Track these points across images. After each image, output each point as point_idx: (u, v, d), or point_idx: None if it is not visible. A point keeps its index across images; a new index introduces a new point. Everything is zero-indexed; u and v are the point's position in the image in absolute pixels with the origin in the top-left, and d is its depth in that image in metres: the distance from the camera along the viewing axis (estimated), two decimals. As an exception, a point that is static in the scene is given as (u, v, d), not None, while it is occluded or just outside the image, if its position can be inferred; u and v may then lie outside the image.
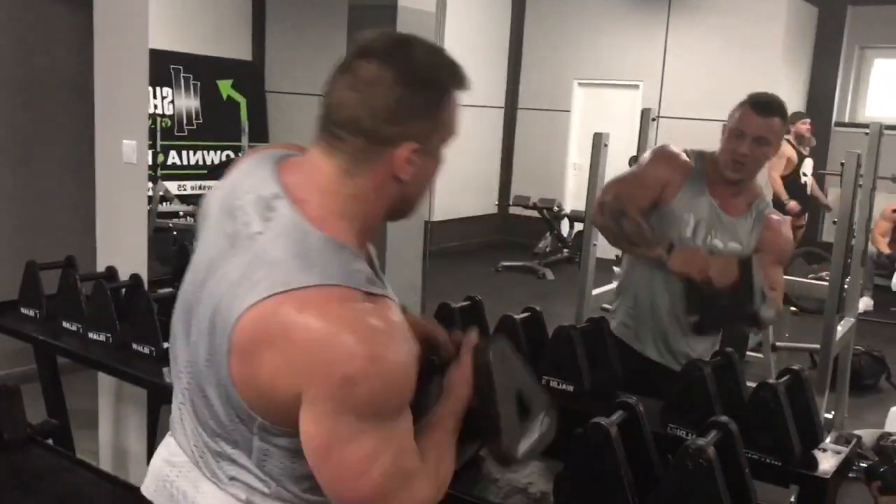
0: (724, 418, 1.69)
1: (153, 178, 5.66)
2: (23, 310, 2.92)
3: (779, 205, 6.00)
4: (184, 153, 7.56)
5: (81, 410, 3.30)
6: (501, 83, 9.48)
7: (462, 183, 8.75)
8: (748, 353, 4.17)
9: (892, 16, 8.07)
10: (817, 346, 3.61)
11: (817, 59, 8.52)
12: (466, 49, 8.80)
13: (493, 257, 8.40)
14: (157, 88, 7.22)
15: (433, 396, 1.31)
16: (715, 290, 2.30)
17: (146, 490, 1.31)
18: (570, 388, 2.19)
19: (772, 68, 7.82)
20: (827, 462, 1.92)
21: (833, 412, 3.87)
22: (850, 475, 2.17)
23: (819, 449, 1.97)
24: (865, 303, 6.17)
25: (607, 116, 8.38)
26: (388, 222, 1.23)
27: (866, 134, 3.97)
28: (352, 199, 1.13)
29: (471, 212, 9.13)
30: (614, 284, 4.32)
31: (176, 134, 7.48)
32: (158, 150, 6.41)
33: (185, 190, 7.20)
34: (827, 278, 3.85)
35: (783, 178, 6.54)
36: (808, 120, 6.88)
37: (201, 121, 7.67)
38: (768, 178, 6.36)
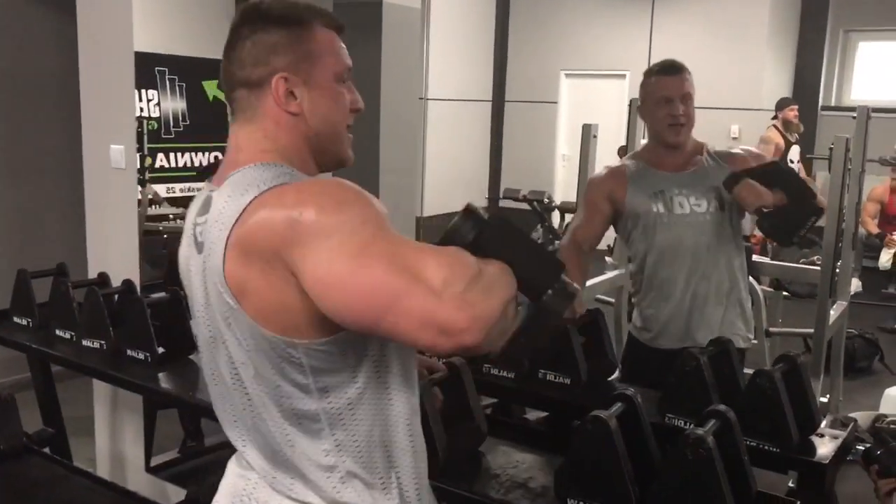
0: (722, 407, 1.69)
1: (141, 182, 5.62)
2: (15, 318, 2.90)
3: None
4: (171, 155, 7.50)
5: (77, 418, 3.28)
6: (488, 76, 9.47)
7: (451, 177, 8.75)
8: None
9: (875, -1, 8.11)
10: (811, 330, 3.63)
11: (802, 44, 8.53)
12: (452, 43, 8.82)
13: (485, 251, 8.39)
14: (143, 91, 7.18)
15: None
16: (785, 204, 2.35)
17: None
18: (567, 380, 2.20)
19: (757, 54, 7.84)
20: (825, 447, 1.92)
21: (828, 396, 3.89)
22: (848, 458, 2.18)
23: (817, 434, 1.97)
24: (855, 284, 6.19)
25: (595, 107, 8.38)
26: (329, 172, 1.30)
27: (853, 118, 3.98)
28: (264, 139, 1.22)
29: (460, 206, 9.07)
30: (608, 275, 4.34)
31: (163, 136, 7.42)
32: (146, 153, 6.37)
33: (174, 192, 7.15)
34: (818, 263, 3.87)
35: None
36: (796, 106, 6.89)
37: (188, 122, 7.62)
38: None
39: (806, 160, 7.21)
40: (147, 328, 2.53)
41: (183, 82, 7.54)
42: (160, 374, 2.48)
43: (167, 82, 7.47)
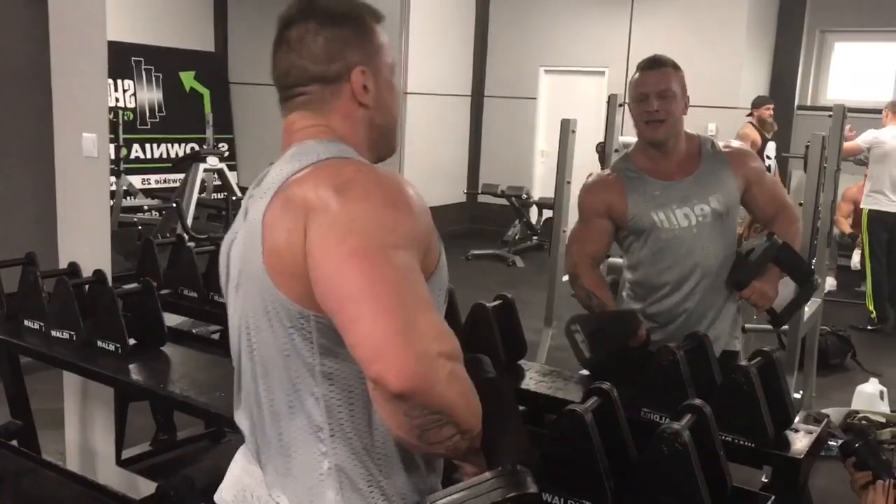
0: (698, 402, 1.69)
1: (116, 173, 5.56)
2: (-18, 309, 2.85)
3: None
4: (147, 146, 7.43)
5: (46, 410, 3.23)
6: (467, 72, 9.45)
7: (430, 172, 8.72)
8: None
9: (851, 0, 8.17)
10: (785, 327, 3.65)
11: (780, 44, 8.59)
12: (432, 38, 8.78)
13: (463, 246, 8.39)
14: (119, 81, 7.09)
15: None
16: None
17: (221, 499, 1.33)
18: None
19: (735, 53, 7.88)
20: (799, 442, 1.93)
21: (801, 392, 3.92)
22: (822, 454, 2.19)
23: (791, 429, 1.98)
24: (829, 283, 6.27)
25: (574, 103, 8.38)
26: (377, 162, 1.28)
27: (829, 116, 4.02)
28: (331, 132, 1.23)
29: (439, 201, 9.10)
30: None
31: (139, 127, 7.35)
32: (121, 143, 6.29)
33: (149, 184, 7.08)
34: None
35: None
36: (772, 105, 6.95)
37: (164, 113, 7.55)
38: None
39: (781, 158, 7.26)
40: (118, 319, 2.49)
41: (160, 73, 7.47)
42: (131, 366, 2.45)
43: (143, 72, 7.40)
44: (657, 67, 2.40)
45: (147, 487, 2.78)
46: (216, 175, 5.41)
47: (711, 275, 2.41)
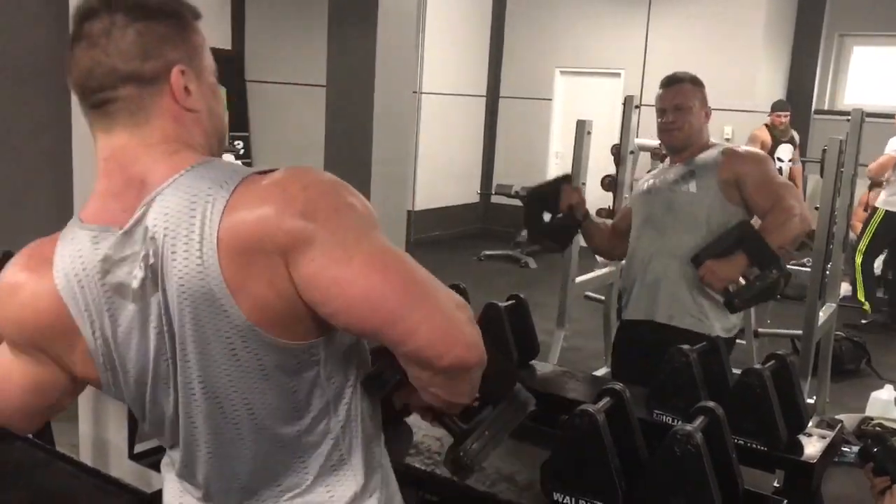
0: (710, 404, 1.69)
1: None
2: None
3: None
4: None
5: (61, 403, 3.25)
6: (483, 72, 9.45)
7: (444, 172, 8.73)
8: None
9: (871, 3, 8.10)
10: (799, 332, 3.63)
11: (797, 47, 8.54)
12: (447, 38, 8.79)
13: (475, 246, 8.39)
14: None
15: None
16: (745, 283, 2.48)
17: None
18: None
19: (753, 56, 7.84)
20: (812, 447, 1.92)
21: (815, 397, 3.90)
22: (834, 460, 2.18)
23: (805, 434, 1.97)
24: (844, 288, 6.23)
25: (589, 105, 8.37)
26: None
27: (847, 120, 3.99)
28: (171, 142, 1.06)
29: (453, 201, 9.11)
30: (597, 272, 4.34)
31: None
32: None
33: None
34: (808, 265, 3.87)
35: None
36: (784, 113, 6.93)
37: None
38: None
39: (797, 164, 7.23)
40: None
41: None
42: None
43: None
44: (673, 84, 2.67)
45: (159, 481, 2.80)
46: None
47: (676, 244, 2.60)
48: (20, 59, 4.33)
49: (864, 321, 6.05)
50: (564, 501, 1.64)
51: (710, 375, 2.02)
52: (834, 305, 4.01)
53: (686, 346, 2.04)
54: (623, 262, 2.90)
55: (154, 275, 1.01)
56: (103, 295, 1.06)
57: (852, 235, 6.46)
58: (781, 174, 6.82)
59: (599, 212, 4.10)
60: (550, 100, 9.15)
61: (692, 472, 1.52)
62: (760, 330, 4.59)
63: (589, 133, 4.11)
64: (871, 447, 1.77)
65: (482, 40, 9.37)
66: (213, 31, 7.95)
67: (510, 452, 1.91)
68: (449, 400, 1.09)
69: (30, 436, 2.55)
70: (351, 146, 4.55)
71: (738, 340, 4.30)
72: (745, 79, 7.75)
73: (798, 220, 2.49)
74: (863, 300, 6.21)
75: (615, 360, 2.94)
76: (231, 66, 7.95)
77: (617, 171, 4.47)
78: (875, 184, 6.51)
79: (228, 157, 5.39)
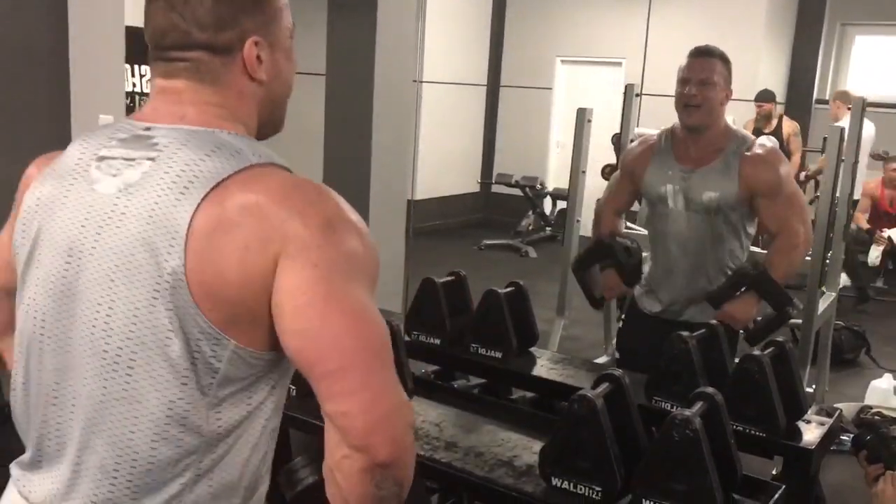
0: (710, 389, 1.69)
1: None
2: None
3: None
4: (163, 132, 7.45)
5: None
6: (483, 61, 9.42)
7: (444, 161, 8.71)
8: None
9: (873, -7, 8.09)
10: (799, 320, 3.63)
11: (799, 36, 8.51)
12: (448, 27, 8.76)
13: (476, 236, 8.39)
14: (136, 67, 7.12)
15: None
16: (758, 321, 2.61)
17: None
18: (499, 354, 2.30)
19: (754, 45, 7.81)
20: (811, 433, 1.93)
21: (814, 386, 3.91)
22: (832, 448, 2.18)
23: (803, 420, 1.98)
24: (844, 278, 6.23)
25: (590, 94, 8.35)
26: (263, 139, 1.15)
27: (848, 108, 3.98)
28: (223, 108, 1.07)
29: (453, 190, 9.10)
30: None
31: (155, 113, 7.37)
32: (137, 129, 6.31)
33: (164, 169, 7.11)
34: (808, 254, 3.87)
35: None
36: (766, 104, 6.84)
37: (180, 99, 7.57)
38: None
39: (784, 151, 7.22)
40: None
41: (176, 59, 7.50)
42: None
43: (160, 58, 7.43)
44: (704, 56, 2.54)
45: None
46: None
47: (689, 259, 2.61)
48: (19, 51, 4.32)
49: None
50: (563, 486, 1.64)
51: (709, 362, 2.03)
52: (834, 294, 4.01)
53: (685, 333, 2.04)
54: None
55: (119, 183, 1.01)
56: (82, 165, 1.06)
57: (853, 226, 6.47)
58: None
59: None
60: (551, 89, 9.13)
61: (691, 458, 1.52)
62: (760, 318, 4.59)
63: (589, 121, 4.11)
64: (864, 435, 1.78)
65: (483, 29, 9.34)
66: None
67: (509, 438, 1.92)
68: (345, 493, 0.96)
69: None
70: (351, 135, 4.54)
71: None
72: (746, 68, 7.70)
73: (801, 249, 2.60)
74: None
75: (629, 348, 2.88)
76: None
77: (617, 160, 4.47)
78: None
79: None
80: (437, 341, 2.37)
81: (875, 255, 6.77)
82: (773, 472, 2.49)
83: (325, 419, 0.97)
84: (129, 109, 3.05)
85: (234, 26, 1.05)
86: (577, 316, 4.62)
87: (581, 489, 1.62)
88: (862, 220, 7.02)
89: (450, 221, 8.90)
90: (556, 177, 8.89)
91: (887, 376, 4.23)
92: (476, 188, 9.45)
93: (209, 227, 0.96)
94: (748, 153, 2.54)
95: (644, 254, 2.79)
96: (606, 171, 4.63)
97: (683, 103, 2.52)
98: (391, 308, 3.34)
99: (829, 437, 1.95)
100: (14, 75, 4.34)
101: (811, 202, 4.54)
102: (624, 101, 4.41)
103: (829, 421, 1.99)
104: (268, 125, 1.15)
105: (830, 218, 3.58)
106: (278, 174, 1.02)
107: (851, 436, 1.93)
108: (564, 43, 8.95)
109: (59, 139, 3.55)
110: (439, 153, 8.61)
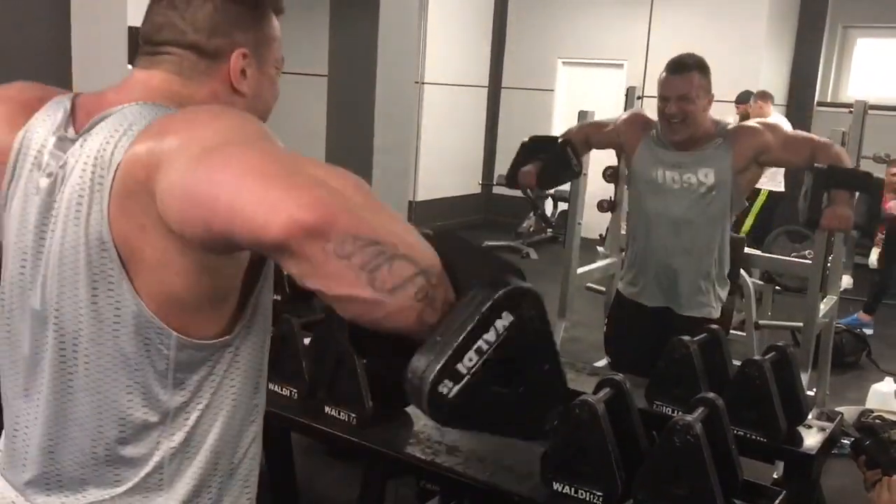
0: (710, 395, 1.69)
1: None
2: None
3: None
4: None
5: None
6: (485, 62, 9.43)
7: (445, 162, 8.72)
8: (731, 331, 4.20)
9: (875, -5, 8.10)
10: (800, 324, 3.63)
11: (801, 39, 8.52)
12: (450, 28, 8.77)
13: (477, 237, 8.39)
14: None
15: None
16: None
17: None
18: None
19: (756, 47, 7.82)
20: (812, 438, 1.93)
21: (815, 389, 3.90)
22: (833, 451, 2.18)
23: (804, 425, 1.98)
24: (846, 281, 6.23)
25: (592, 96, 8.35)
26: None
27: (850, 112, 3.97)
28: (179, 96, 1.06)
29: (454, 191, 9.11)
30: (598, 263, 4.34)
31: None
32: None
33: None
34: (810, 257, 3.87)
35: None
36: (744, 105, 6.87)
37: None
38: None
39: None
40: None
41: (178, 59, 7.52)
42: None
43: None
44: (680, 72, 2.58)
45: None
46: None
47: (690, 240, 2.67)
48: (21, 54, 4.32)
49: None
50: (564, 491, 1.64)
51: (710, 366, 2.03)
52: (835, 297, 4.01)
53: (686, 338, 2.04)
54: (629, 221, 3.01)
55: (56, 183, 1.02)
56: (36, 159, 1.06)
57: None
58: None
59: (601, 203, 4.10)
60: (553, 91, 9.13)
61: (692, 463, 1.53)
62: (761, 322, 4.58)
63: (591, 124, 4.10)
64: (862, 440, 1.78)
65: (484, 30, 9.35)
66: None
67: (510, 442, 1.92)
68: (337, 293, 0.81)
69: None
70: (352, 136, 4.55)
71: (738, 332, 4.33)
72: (748, 70, 7.72)
73: (839, 148, 2.64)
74: None
75: (616, 338, 2.98)
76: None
77: (619, 163, 4.47)
78: None
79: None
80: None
81: (875, 256, 6.77)
82: (774, 477, 2.49)
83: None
84: (131, 110, 3.07)
85: (226, 36, 1.09)
86: (578, 318, 4.62)
87: (582, 494, 1.62)
88: (862, 221, 7.03)
89: (451, 223, 8.91)
90: (557, 178, 8.88)
91: (888, 379, 4.22)
92: (477, 189, 9.45)
93: (119, 206, 0.96)
94: (731, 130, 2.68)
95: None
96: (608, 174, 4.63)
97: (665, 120, 2.62)
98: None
99: (830, 442, 1.96)
100: (17, 75, 4.34)
101: None
102: (626, 104, 4.41)
103: (830, 426, 1.99)
104: None
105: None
106: (149, 127, 0.97)
107: (851, 440, 1.94)
108: (566, 45, 8.95)
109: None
110: (440, 154, 8.62)
